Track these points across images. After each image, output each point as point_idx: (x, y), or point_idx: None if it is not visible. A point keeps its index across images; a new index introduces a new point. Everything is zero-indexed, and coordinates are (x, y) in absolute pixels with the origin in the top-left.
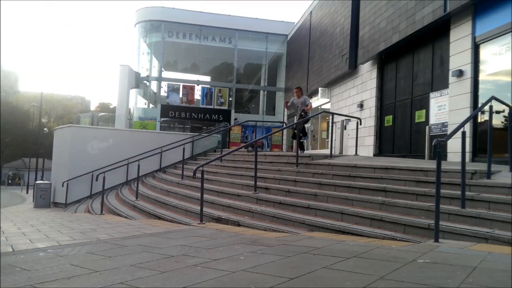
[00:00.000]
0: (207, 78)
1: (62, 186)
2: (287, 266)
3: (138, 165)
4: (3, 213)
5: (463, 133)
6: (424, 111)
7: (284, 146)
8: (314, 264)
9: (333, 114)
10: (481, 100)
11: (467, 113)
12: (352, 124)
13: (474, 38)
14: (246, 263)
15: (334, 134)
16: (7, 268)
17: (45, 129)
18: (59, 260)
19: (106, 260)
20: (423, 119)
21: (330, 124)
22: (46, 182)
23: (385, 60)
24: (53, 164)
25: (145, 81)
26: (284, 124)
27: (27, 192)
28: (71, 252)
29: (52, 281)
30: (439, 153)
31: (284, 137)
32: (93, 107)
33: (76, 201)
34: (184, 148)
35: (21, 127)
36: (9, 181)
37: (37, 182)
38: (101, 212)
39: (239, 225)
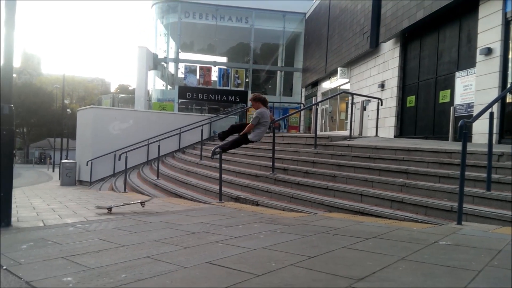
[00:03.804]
0: (224, 59)
1: (87, 165)
2: (307, 245)
3: (159, 145)
4: (32, 190)
5: (491, 114)
6: (449, 91)
7: (302, 128)
8: (334, 243)
9: (353, 94)
10: (510, 80)
11: (495, 93)
12: (372, 105)
13: (505, 14)
14: (266, 241)
15: (353, 115)
16: (40, 241)
17: (68, 110)
18: (87, 235)
19: (132, 235)
20: (447, 100)
21: (350, 105)
22: (71, 161)
23: (409, 38)
24: (77, 144)
25: (162, 63)
26: (302, 105)
27: (53, 171)
28: (99, 228)
29: (83, 254)
30: (465, 134)
31: (302, 118)
32: (112, 89)
33: (100, 180)
34: (202, 129)
35: (45, 108)
36: (41, 160)
37: (62, 161)
38: (124, 190)
39: (257, 204)
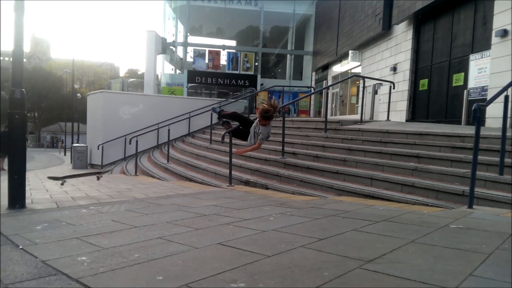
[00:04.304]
0: (233, 43)
1: (98, 148)
2: (316, 228)
3: (169, 130)
4: (45, 173)
5: (506, 97)
6: (462, 74)
7: (312, 112)
8: (343, 226)
9: (364, 78)
10: None
11: (510, 76)
12: (384, 89)
13: None
14: (276, 224)
15: (364, 99)
16: (54, 222)
17: (78, 94)
18: (100, 216)
19: (144, 217)
20: (461, 83)
21: (361, 89)
22: (83, 145)
23: (422, 20)
24: (88, 128)
25: (171, 47)
26: (312, 89)
27: (65, 154)
28: (111, 209)
29: (96, 234)
30: (479, 118)
31: (312, 102)
32: (122, 73)
33: (111, 163)
34: (212, 114)
35: (55, 92)
36: (53, 144)
37: (74, 145)
38: (135, 173)
39: (267, 188)
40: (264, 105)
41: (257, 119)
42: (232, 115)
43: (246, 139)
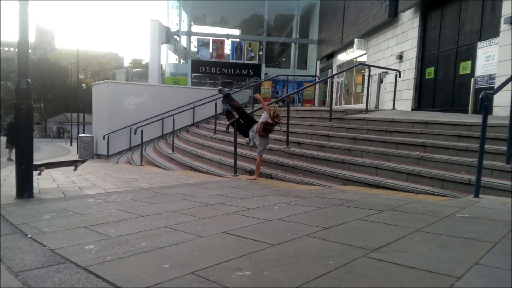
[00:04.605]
0: (237, 32)
1: (103, 139)
2: (321, 217)
3: (173, 120)
4: None
5: None
6: (469, 62)
7: (316, 101)
8: (348, 215)
9: (369, 66)
10: None
11: None
12: (389, 77)
13: None
14: (281, 213)
15: (370, 88)
16: (62, 212)
17: (83, 85)
18: (107, 206)
19: (150, 206)
20: (468, 71)
21: (366, 78)
22: (89, 135)
23: (429, 7)
24: (93, 118)
25: (175, 36)
26: (317, 78)
27: (71, 145)
28: (117, 199)
29: (103, 223)
30: (486, 106)
31: (317, 91)
32: (126, 63)
33: (117, 153)
34: (216, 104)
35: (60, 83)
36: (60, 135)
37: (80, 135)
38: (141, 163)
39: (271, 177)
40: (271, 114)
41: (258, 126)
42: (238, 109)
43: (247, 136)
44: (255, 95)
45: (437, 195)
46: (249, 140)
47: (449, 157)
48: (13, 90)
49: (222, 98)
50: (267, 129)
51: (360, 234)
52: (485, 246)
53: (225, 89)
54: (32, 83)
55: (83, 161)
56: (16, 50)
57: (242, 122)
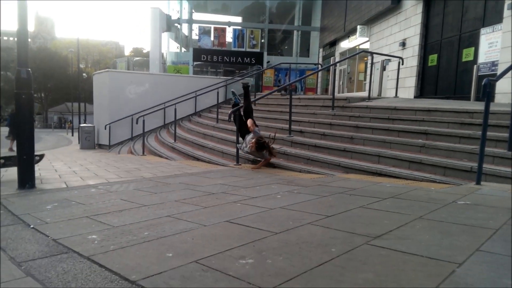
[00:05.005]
0: (239, 19)
1: (105, 128)
2: (323, 205)
3: (175, 109)
4: (53, 153)
5: None
6: (472, 49)
7: (319, 89)
8: (351, 203)
9: (372, 53)
10: None
11: None
12: (392, 65)
13: None
14: (283, 201)
15: (372, 76)
16: (64, 202)
17: (84, 74)
18: (109, 195)
19: (152, 196)
20: (471, 58)
21: (369, 65)
22: (90, 125)
23: None
24: (95, 108)
25: (176, 24)
26: (319, 66)
27: (72, 135)
28: (120, 189)
29: (106, 213)
30: (489, 93)
31: (319, 80)
32: (127, 52)
33: (118, 143)
34: (218, 92)
35: (61, 72)
36: (61, 125)
37: (81, 125)
38: (143, 153)
39: (274, 166)
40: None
41: (252, 142)
42: (248, 106)
43: (244, 135)
44: (248, 120)
45: (439, 182)
46: (241, 145)
47: (451, 145)
48: (13, 80)
49: (232, 90)
50: (258, 146)
51: (363, 222)
52: (486, 233)
53: (248, 82)
54: (32, 73)
55: (40, 157)
56: (16, 39)
57: (244, 119)
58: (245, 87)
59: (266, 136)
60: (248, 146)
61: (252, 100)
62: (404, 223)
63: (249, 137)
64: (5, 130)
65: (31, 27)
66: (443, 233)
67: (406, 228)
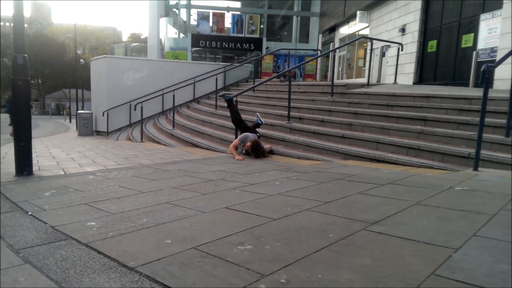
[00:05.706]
0: (237, 4)
1: (103, 115)
2: (322, 191)
3: (173, 95)
4: (51, 140)
5: None
6: (472, 35)
7: (318, 76)
8: (349, 190)
9: (372, 39)
10: None
11: None
12: (391, 51)
13: None
14: (282, 188)
15: (372, 62)
16: (62, 189)
17: (81, 60)
18: (108, 182)
19: (151, 183)
20: (470, 44)
21: (368, 51)
22: (88, 111)
23: None
24: (92, 95)
25: (174, 9)
26: (319, 52)
27: (70, 122)
28: (118, 175)
29: (104, 200)
30: (487, 79)
31: (318, 66)
32: (124, 38)
33: (117, 130)
34: (216, 79)
35: (58, 59)
36: (59, 112)
37: (79, 112)
38: (141, 139)
39: (273, 153)
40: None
41: (249, 142)
42: (235, 116)
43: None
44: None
45: (436, 168)
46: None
47: (449, 131)
48: (9, 66)
49: (223, 97)
50: (254, 149)
51: (360, 208)
52: (483, 218)
53: (228, 95)
54: (29, 59)
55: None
56: (12, 24)
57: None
58: (227, 100)
59: (264, 136)
60: (243, 150)
61: (251, 87)
62: (402, 209)
63: (242, 137)
64: (6, 116)
65: (27, 13)
66: (440, 219)
67: (404, 214)
